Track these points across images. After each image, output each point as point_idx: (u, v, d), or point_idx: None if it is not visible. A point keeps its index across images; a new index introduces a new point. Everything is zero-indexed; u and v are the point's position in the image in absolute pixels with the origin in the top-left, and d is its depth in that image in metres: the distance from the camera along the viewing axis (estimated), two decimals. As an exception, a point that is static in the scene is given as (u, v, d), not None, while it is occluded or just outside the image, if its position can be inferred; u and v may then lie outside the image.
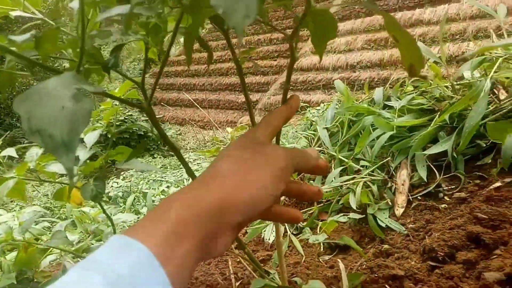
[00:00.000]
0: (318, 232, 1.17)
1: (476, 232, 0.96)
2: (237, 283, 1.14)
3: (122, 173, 5.37)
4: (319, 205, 1.38)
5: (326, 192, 1.40)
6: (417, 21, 9.58)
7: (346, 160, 1.42)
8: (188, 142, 9.86)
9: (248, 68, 11.04)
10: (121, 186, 4.71)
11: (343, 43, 10.16)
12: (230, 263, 1.27)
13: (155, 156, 8.75)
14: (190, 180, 0.57)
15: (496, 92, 1.30)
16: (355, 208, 1.23)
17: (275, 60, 10.64)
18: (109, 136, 0.97)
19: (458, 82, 1.32)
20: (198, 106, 9.95)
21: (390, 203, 1.26)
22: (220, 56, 12.22)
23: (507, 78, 1.22)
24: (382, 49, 9.85)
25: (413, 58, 0.45)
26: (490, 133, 1.03)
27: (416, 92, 1.45)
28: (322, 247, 1.27)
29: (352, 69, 9.84)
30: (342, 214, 1.20)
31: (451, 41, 7.94)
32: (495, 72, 1.25)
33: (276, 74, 10.28)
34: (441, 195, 1.21)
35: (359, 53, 9.83)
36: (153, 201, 2.27)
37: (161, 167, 6.81)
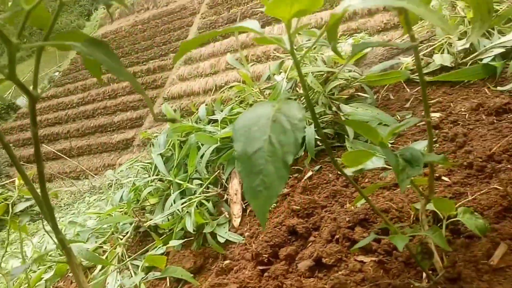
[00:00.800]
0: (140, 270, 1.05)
1: (293, 225, 0.99)
2: None
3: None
4: (162, 237, 1.27)
5: (168, 221, 1.30)
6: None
7: (182, 182, 1.35)
8: (62, 198, 8.68)
9: (116, 106, 10.40)
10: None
11: (208, 67, 10.47)
12: None
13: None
14: None
15: (298, 89, 1.43)
16: (192, 231, 1.16)
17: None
18: None
19: (264, 86, 1.39)
20: (65, 157, 8.88)
21: (228, 216, 1.24)
22: (82, 98, 11.22)
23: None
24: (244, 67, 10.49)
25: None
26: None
27: (235, 102, 1.49)
28: (168, 282, 1.17)
29: (222, 90, 10.21)
30: (159, 247, 1.11)
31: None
32: (291, 71, 1.36)
33: (147, 107, 9.91)
34: (269, 195, 1.23)
35: (225, 73, 10.26)
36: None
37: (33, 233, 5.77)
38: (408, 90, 1.37)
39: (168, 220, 1.30)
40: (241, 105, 1.44)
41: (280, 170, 0.40)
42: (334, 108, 1.32)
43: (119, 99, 10.46)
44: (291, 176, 1.25)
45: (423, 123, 1.24)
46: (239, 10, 11.83)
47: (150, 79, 10.39)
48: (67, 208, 7.58)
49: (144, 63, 11.39)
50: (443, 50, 1.45)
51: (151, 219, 1.28)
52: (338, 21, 0.66)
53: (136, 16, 14.97)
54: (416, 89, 1.35)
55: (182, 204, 1.27)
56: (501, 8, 1.50)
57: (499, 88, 1.22)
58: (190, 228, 1.17)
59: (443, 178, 0.94)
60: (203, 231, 1.18)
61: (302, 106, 0.50)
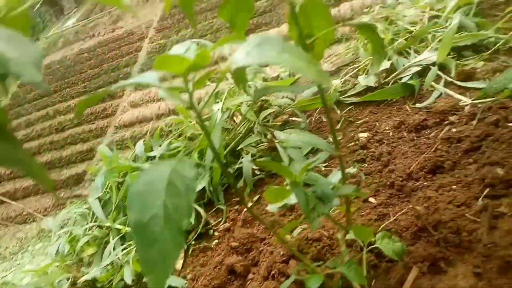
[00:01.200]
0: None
1: (232, 264, 0.97)
2: None
3: None
4: (100, 291, 1.19)
5: (108, 272, 1.23)
6: (219, 57, 10.64)
7: (121, 227, 1.29)
8: (7, 247, 7.94)
9: (64, 139, 9.87)
10: None
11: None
12: None
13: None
14: None
15: (235, 118, 1.43)
16: (130, 282, 1.10)
17: (93, 123, 9.86)
18: None
19: (203, 117, 1.38)
20: (9, 201, 8.15)
21: (170, 258, 1.19)
22: (26, 134, 10.54)
23: (234, 105, 1.35)
24: (197, 90, 10.45)
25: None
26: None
27: (173, 136, 1.46)
28: None
29: (176, 114, 10.07)
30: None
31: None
32: (226, 100, 1.37)
33: (98, 137, 9.51)
34: (211, 232, 1.21)
35: (178, 97, 10.13)
36: None
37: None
38: (338, 111, 1.43)
39: (108, 271, 1.23)
40: (179, 138, 1.42)
41: (176, 237, 0.39)
42: (269, 136, 1.34)
43: (67, 132, 9.94)
44: (231, 209, 1.24)
45: (363, 135, 1.29)
46: (187, 33, 11.88)
47: (100, 108, 9.98)
48: (12, 258, 6.98)
49: (92, 92, 10.98)
50: (367, 71, 1.53)
51: (88, 273, 1.19)
52: (240, 70, 0.67)
53: (82, 44, 14.51)
54: (345, 110, 1.41)
55: (122, 250, 1.21)
56: (415, 30, 1.63)
57: (417, 105, 1.30)
58: (128, 279, 1.11)
59: (370, 199, 0.97)
60: (144, 280, 1.12)
61: (194, 163, 0.50)
